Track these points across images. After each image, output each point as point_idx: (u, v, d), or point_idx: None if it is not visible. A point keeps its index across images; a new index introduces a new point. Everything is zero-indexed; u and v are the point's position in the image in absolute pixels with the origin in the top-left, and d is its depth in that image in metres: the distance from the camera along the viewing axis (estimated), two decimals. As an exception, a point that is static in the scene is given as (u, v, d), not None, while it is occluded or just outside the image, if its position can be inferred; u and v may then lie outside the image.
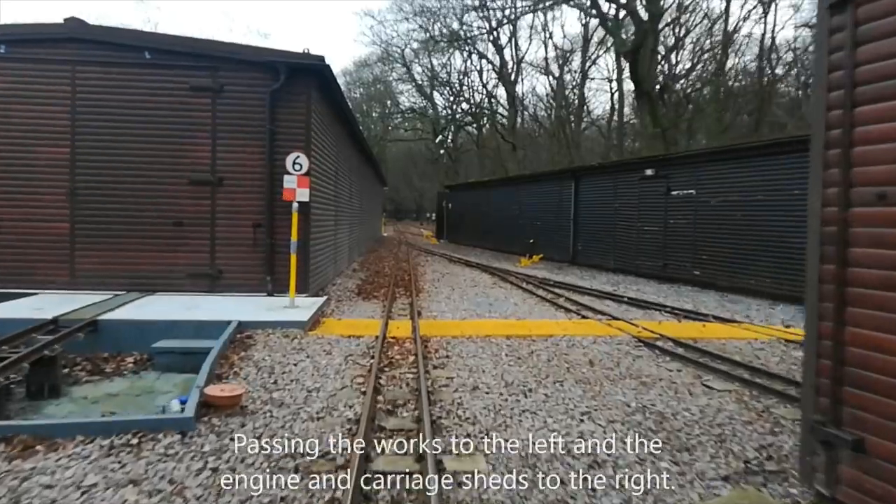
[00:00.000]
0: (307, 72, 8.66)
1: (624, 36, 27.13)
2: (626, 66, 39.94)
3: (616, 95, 40.08)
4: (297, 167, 8.43)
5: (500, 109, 48.67)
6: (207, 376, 4.65)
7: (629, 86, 43.67)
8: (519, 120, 47.19)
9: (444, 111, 56.61)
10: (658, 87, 26.15)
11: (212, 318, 6.54)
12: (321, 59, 8.56)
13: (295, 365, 5.36)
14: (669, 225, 13.86)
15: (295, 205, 7.77)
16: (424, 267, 16.22)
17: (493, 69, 43.33)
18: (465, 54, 52.36)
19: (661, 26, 27.07)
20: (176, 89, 8.55)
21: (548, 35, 60.15)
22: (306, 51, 8.83)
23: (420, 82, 54.12)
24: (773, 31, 35.17)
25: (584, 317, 8.17)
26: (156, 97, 8.53)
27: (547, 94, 74.40)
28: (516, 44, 43.38)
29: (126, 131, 8.49)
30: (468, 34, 40.89)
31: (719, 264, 12.34)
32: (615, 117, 48.63)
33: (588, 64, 46.19)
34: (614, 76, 70.94)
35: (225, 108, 8.60)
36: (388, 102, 58.96)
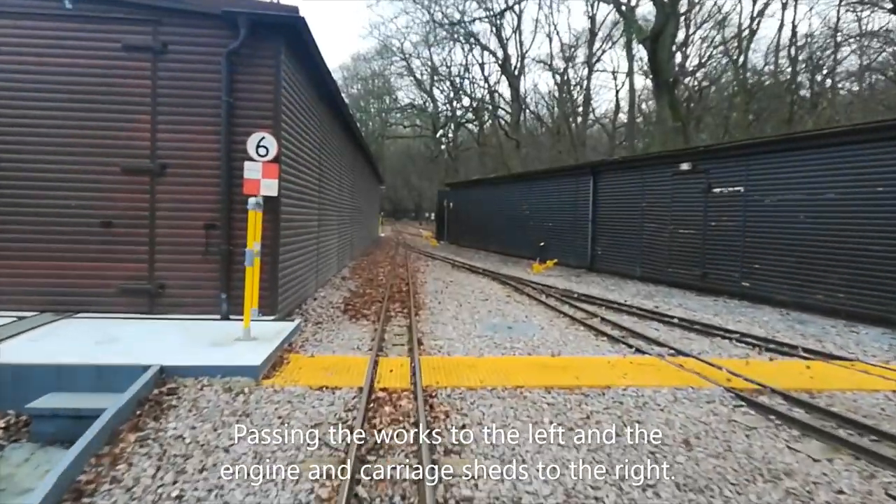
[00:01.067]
0: (275, 27, 6.67)
1: (641, 23, 25.22)
2: (638, 58, 38.00)
3: (620, 93, 38.07)
4: (261, 152, 6.46)
5: (502, 103, 46.74)
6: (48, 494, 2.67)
7: (639, 82, 41.76)
8: (522, 117, 45.23)
9: (444, 107, 54.63)
10: (671, 80, 24.18)
11: (124, 362, 4.55)
12: (294, 10, 6.58)
13: (226, 451, 3.38)
14: (710, 228, 11.91)
15: (258, 200, 5.81)
16: (425, 274, 14.25)
17: (497, 62, 41.37)
18: (467, 48, 50.38)
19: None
20: (105, 49, 6.55)
21: (552, 27, 58.09)
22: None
23: (419, 77, 52.15)
24: (794, 24, 33.26)
25: (639, 350, 6.20)
26: (79, 60, 6.53)
27: (549, 92, 72.50)
28: (520, 36, 41.42)
29: (40, 104, 6.50)
30: (470, 18, 38.91)
31: (776, 275, 10.39)
32: (619, 114, 46.72)
33: (595, 59, 44.39)
34: (624, 69, 68.97)
35: (169, 75, 6.61)
36: (387, 99, 56.96)
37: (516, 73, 40.80)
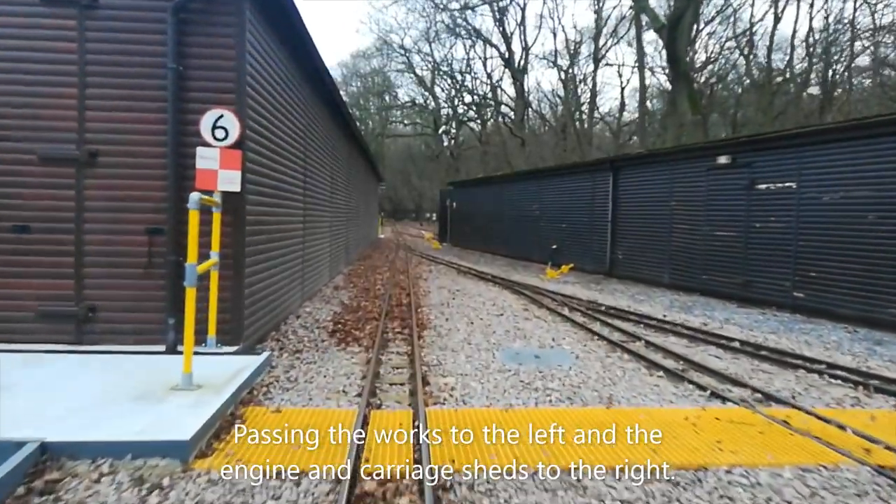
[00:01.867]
0: (238, -26, 5.21)
1: (658, 12, 23.76)
2: (652, 50, 36.31)
3: (626, 90, 36.52)
4: (219, 134, 4.99)
5: (506, 98, 45.21)
6: None
7: (650, 78, 40.20)
8: (526, 114, 43.72)
9: (446, 104, 53.16)
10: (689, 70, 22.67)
11: (-12, 435, 3.07)
12: (261, -50, 5.11)
13: None
14: (754, 229, 10.42)
15: (199, 198, 4.34)
16: (428, 281, 12.76)
17: (500, 56, 39.88)
18: (468, 44, 48.91)
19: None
20: (18, 4, 5.09)
21: (557, 20, 56.56)
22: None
23: (420, 74, 50.70)
24: (811, 17, 31.65)
25: (715, 394, 4.70)
26: (-16, 17, 5.07)
27: (552, 90, 71.07)
28: (524, 31, 39.92)
29: (-68, 73, 5.04)
30: (473, 4, 37.44)
31: (838, 285, 8.89)
32: (624, 113, 45.19)
33: (601, 54, 42.94)
34: (630, 66, 67.46)
35: (101, 36, 5.13)
36: (387, 97, 55.50)
37: (520, 68, 39.33)
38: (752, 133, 12.83)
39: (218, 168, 5.01)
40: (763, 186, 10.30)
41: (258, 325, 5.94)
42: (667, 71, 38.29)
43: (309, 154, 8.83)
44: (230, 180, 5.05)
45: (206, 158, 4.98)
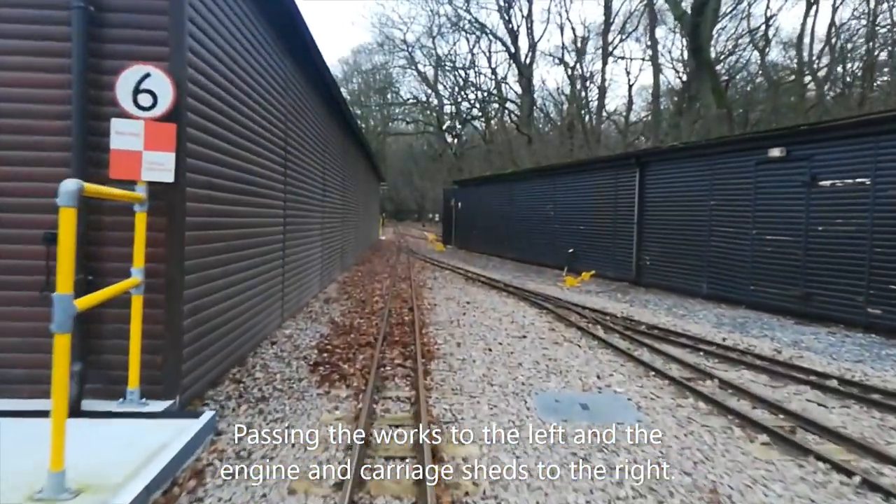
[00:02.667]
0: None
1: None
2: (660, 47, 34.66)
3: (634, 88, 34.94)
4: (145, 101, 3.52)
5: (511, 95, 43.68)
6: None
7: (649, 79, 38.59)
8: (532, 112, 42.19)
9: (449, 102, 51.70)
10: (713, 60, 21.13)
11: None
12: None
13: None
14: (816, 234, 8.90)
15: (140, 190, 2.87)
16: (433, 291, 11.26)
17: (506, 50, 38.40)
18: (473, 39, 47.47)
19: None
20: None
21: (565, 15, 54.94)
22: None
23: (422, 70, 49.28)
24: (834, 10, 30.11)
25: (872, 484, 3.18)
26: None
27: (557, 88, 69.64)
28: (531, 24, 38.45)
29: None
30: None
31: (931, 301, 7.38)
32: (632, 111, 43.54)
33: (609, 50, 41.47)
34: (638, 63, 65.73)
35: (-19, -35, 3.66)
36: (389, 95, 54.06)
37: (527, 63, 37.85)
38: (814, 121, 11.27)
39: (142, 149, 3.53)
40: (827, 183, 8.78)
41: (207, 365, 4.44)
42: (682, 64, 36.71)
43: (292, 143, 7.34)
44: (160, 165, 3.56)
45: (123, 135, 3.49)
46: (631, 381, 5.23)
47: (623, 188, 13.64)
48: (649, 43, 33.68)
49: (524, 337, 7.06)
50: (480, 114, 53.54)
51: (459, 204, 25.52)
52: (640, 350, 6.48)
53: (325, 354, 5.79)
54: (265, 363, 5.35)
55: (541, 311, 9.16)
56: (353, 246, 16.16)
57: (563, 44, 56.40)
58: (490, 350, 6.28)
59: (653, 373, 5.48)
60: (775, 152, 9.61)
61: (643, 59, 35.32)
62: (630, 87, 57.51)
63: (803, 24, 29.70)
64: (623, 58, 39.43)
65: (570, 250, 15.71)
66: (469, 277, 13.83)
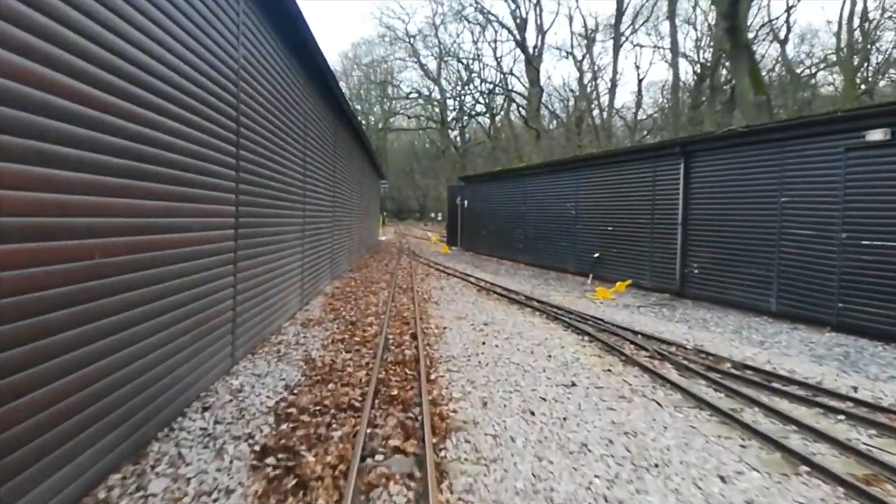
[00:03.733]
0: None
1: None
2: (682, 32, 32.36)
3: (646, 81, 32.77)
4: None
5: (519, 87, 41.56)
6: None
7: (660, 73, 36.38)
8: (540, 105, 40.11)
9: (453, 97, 49.64)
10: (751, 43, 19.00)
11: None
12: None
13: None
14: (939, 238, 6.86)
15: None
16: (441, 307, 9.25)
17: (514, 39, 36.31)
18: (478, 31, 45.42)
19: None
20: None
21: (575, 4, 53.04)
22: None
23: (423, 61, 47.24)
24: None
25: None
26: None
27: (564, 83, 67.43)
28: (540, 12, 36.35)
29: None
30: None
31: None
32: (642, 106, 41.35)
33: (622, 41, 39.44)
34: (648, 56, 63.57)
35: None
36: (390, 90, 52.04)
37: (536, 53, 35.77)
38: None
39: None
40: (955, 172, 6.73)
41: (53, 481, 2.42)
42: (696, 54, 34.51)
43: (249, 119, 5.32)
44: None
45: None
46: (774, 484, 3.20)
47: (663, 182, 11.59)
48: (664, 32, 31.55)
49: (573, 385, 5.03)
50: (485, 109, 51.55)
51: (466, 202, 23.47)
52: (749, 410, 4.45)
53: (285, 428, 3.77)
54: (179, 453, 3.32)
55: (581, 338, 7.13)
56: (347, 250, 14.15)
57: (571, 34, 54.27)
58: (532, 414, 4.25)
59: (804, 467, 3.43)
60: (876, 135, 7.56)
61: (660, 49, 33.15)
62: (640, 81, 55.40)
63: (841, 11, 27.67)
64: (640, 45, 37.16)
65: (596, 255, 13.67)
66: (482, 288, 11.79)
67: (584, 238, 14.40)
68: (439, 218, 62.80)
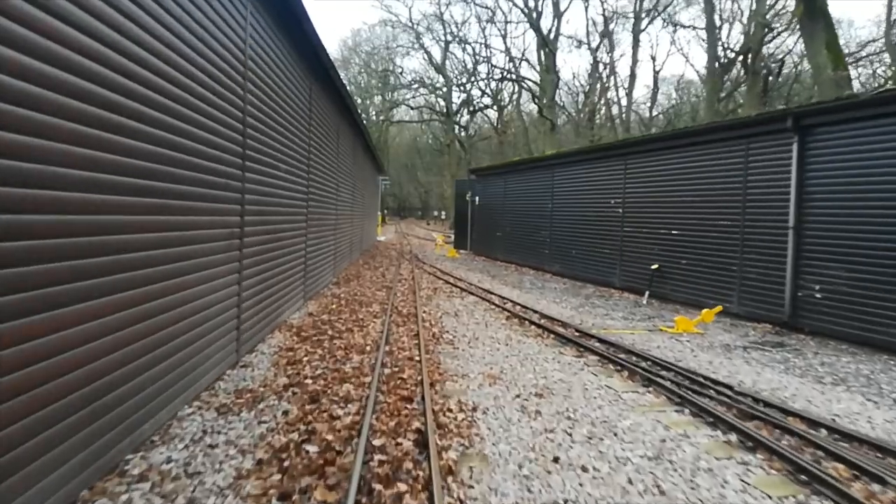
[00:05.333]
0: None
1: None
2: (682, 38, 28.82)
3: (662, 73, 29.28)
4: None
5: (532, 75, 38.31)
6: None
7: (676, 67, 32.93)
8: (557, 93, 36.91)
9: (458, 87, 46.45)
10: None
11: None
12: None
13: None
14: None
15: None
16: (459, 349, 6.16)
17: (527, 19, 33.08)
18: (487, 16, 42.23)
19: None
20: None
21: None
22: None
23: (426, 45, 44.12)
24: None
25: None
26: None
27: (573, 76, 64.04)
28: (557, -8, 33.08)
29: None
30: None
31: None
32: (655, 99, 38.04)
33: (642, 27, 36.37)
34: (665, 48, 60.18)
35: None
36: (392, 78, 48.85)
37: (552, 36, 32.56)
38: None
39: None
40: None
41: None
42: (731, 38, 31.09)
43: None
44: None
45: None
46: None
47: (761, 170, 8.47)
48: (693, 14, 28.31)
49: None
50: (493, 102, 48.38)
51: (477, 198, 20.32)
52: None
53: None
54: None
55: (713, 429, 4.00)
56: (333, 257, 11.06)
57: (587, 20, 50.98)
58: None
59: None
60: None
61: (695, 28, 29.70)
62: (656, 73, 52.21)
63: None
64: (674, 24, 33.83)
65: (654, 266, 10.54)
66: (511, 313, 8.65)
67: (636, 244, 11.26)
68: (443, 216, 59.65)
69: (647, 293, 10.59)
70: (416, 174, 75.70)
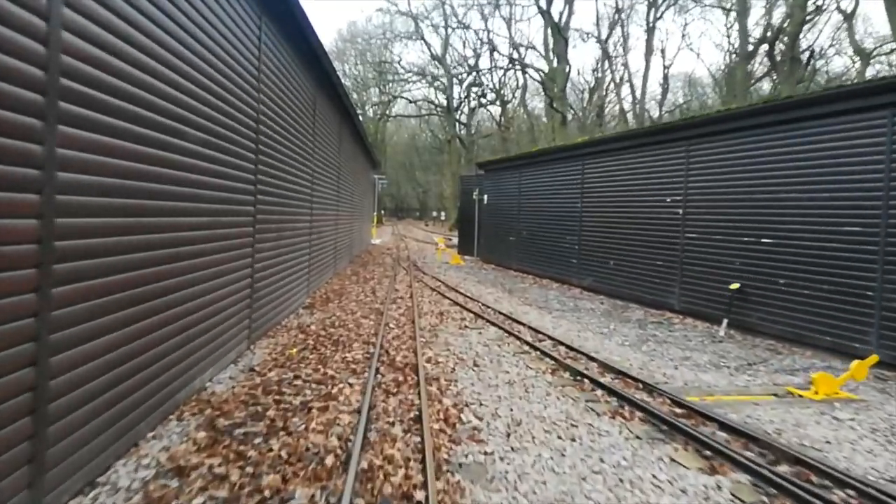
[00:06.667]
0: None
1: None
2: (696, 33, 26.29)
3: (673, 68, 26.59)
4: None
5: (539, 63, 35.65)
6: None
7: (687, 63, 30.23)
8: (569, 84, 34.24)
9: (459, 69, 43.83)
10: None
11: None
12: None
13: None
14: None
15: None
16: (490, 440, 3.49)
17: (535, 4, 30.41)
18: (490, 7, 39.67)
19: None
20: None
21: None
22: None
23: (424, 30, 41.52)
24: None
25: None
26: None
27: (579, 72, 61.58)
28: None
29: None
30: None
31: None
32: (665, 96, 35.39)
33: (657, 16, 33.93)
34: (676, 42, 57.96)
35: None
36: (389, 71, 46.16)
37: (562, 22, 29.88)
38: None
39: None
40: None
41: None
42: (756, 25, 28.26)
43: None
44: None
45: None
46: None
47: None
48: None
49: None
50: (495, 96, 45.76)
51: (486, 197, 17.60)
52: None
53: None
54: None
55: None
56: (305, 274, 8.34)
57: (596, 11, 48.45)
58: None
59: None
60: None
61: (724, 9, 27.04)
62: (666, 68, 49.64)
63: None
64: (699, 1, 31.10)
65: (734, 286, 7.87)
66: (556, 359, 5.93)
67: (704, 255, 8.58)
68: (442, 217, 56.87)
69: (724, 322, 7.91)
70: (414, 174, 73.11)
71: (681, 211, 9.11)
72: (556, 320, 8.39)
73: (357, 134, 15.18)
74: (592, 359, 5.89)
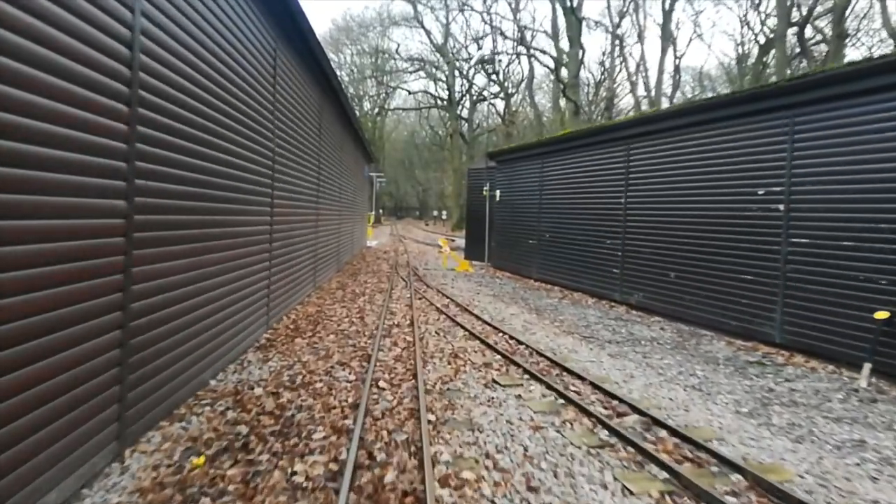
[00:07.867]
0: None
1: None
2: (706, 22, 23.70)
3: (675, 61, 24.20)
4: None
5: (548, 47, 33.14)
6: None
7: (697, 56, 27.40)
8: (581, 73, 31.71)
9: (460, 55, 41.37)
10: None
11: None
12: None
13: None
14: None
15: None
16: None
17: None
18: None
19: None
20: None
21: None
22: None
23: (423, 20, 39.09)
24: None
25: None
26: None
27: (585, 66, 59.15)
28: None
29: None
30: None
31: None
32: (676, 89, 32.78)
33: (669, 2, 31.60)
34: (688, 31, 55.04)
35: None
36: (386, 61, 43.67)
37: (575, 2, 27.34)
38: None
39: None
40: None
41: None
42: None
43: None
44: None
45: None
46: None
47: None
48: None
49: None
50: (499, 89, 43.25)
51: (498, 193, 15.09)
52: None
53: None
54: None
55: None
56: (264, 301, 5.85)
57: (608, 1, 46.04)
58: None
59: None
60: None
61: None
62: (678, 58, 47.09)
63: None
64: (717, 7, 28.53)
65: (881, 314, 5.38)
66: (675, 473, 3.47)
67: (823, 268, 6.08)
68: (443, 216, 54.30)
69: (867, 367, 5.42)
70: (413, 172, 70.64)
71: (782, 208, 6.62)
72: (617, 361, 5.92)
73: (345, 115, 12.67)
74: (726, 461, 3.40)
